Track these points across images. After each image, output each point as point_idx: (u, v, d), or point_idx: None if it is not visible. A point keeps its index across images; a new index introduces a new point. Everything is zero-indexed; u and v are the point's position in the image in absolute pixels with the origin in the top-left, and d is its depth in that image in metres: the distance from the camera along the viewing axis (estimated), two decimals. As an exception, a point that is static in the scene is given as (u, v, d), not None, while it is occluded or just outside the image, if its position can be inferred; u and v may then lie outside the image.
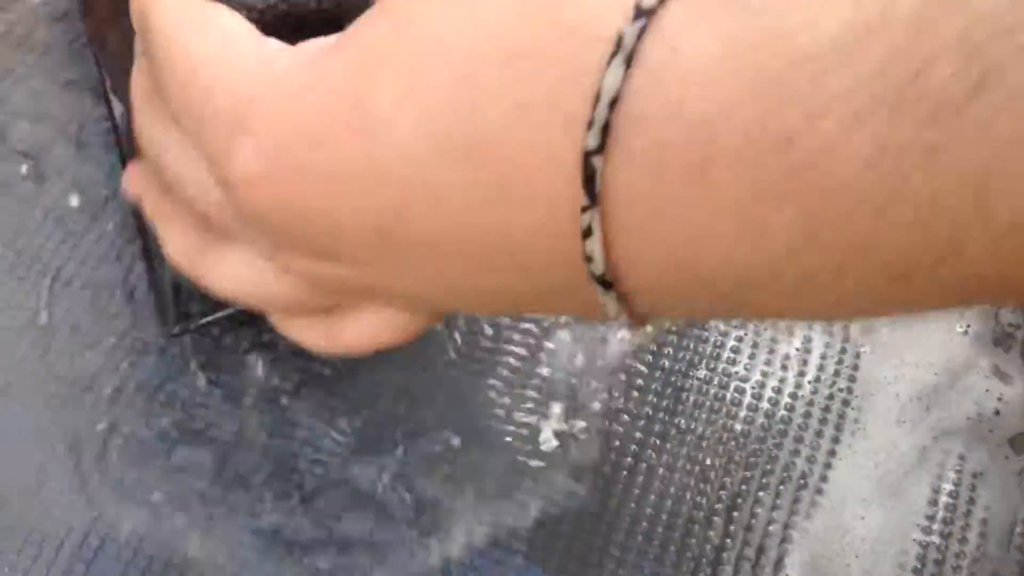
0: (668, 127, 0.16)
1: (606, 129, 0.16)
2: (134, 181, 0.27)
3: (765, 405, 0.33)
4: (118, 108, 0.35)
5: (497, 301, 0.21)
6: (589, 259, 0.17)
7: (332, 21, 0.25)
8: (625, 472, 0.32)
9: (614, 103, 0.16)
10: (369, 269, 0.20)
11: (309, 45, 0.21)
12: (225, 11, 0.22)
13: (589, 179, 0.16)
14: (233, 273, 0.23)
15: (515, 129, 0.17)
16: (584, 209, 0.17)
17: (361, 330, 0.23)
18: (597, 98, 0.16)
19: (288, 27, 0.25)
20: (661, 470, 0.32)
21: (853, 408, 0.33)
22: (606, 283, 0.18)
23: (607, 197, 0.16)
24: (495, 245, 0.18)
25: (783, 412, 0.33)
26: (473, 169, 0.18)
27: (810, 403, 0.33)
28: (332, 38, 0.20)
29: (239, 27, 0.22)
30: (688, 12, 0.16)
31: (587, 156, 0.16)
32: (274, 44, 0.21)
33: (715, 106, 0.15)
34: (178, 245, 0.25)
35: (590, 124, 0.16)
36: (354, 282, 0.21)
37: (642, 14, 0.16)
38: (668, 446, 0.33)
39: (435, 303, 0.22)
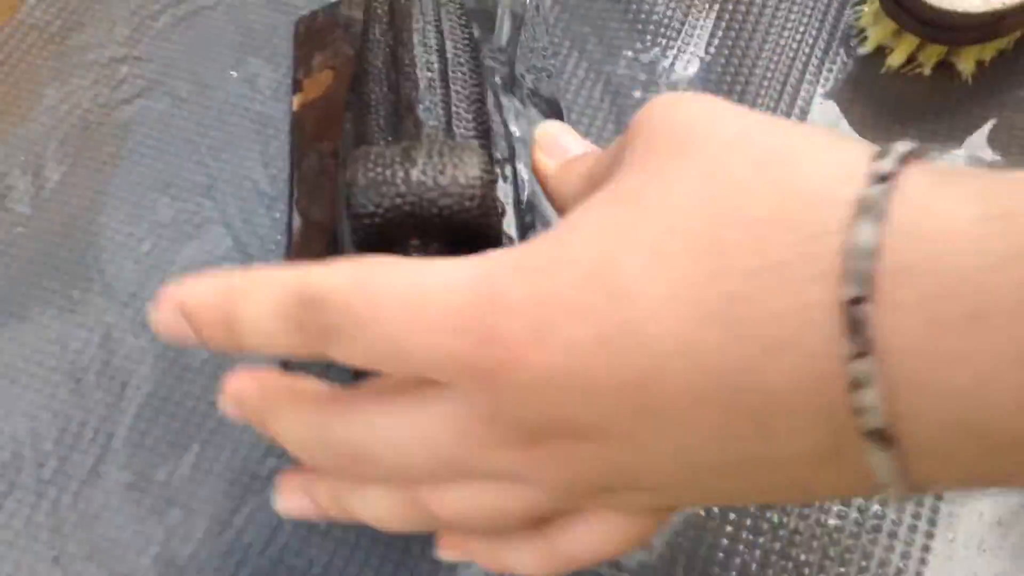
0: (935, 279, 0.16)
1: (866, 281, 0.17)
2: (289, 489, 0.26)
3: (858, 499, 0.33)
4: (296, 221, 0.39)
5: (752, 479, 0.20)
6: (860, 412, 0.17)
7: (450, 221, 0.27)
8: (717, 568, 0.32)
9: (869, 257, 0.17)
10: (624, 444, 0.20)
11: (498, 254, 0.21)
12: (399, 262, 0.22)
13: (854, 329, 0.17)
14: (461, 504, 0.23)
15: (765, 287, 0.18)
16: (853, 359, 0.17)
17: (591, 537, 0.23)
18: (848, 253, 0.17)
19: (408, 228, 0.27)
20: (755, 566, 0.32)
21: (947, 501, 0.33)
22: (880, 438, 0.17)
23: (879, 346, 0.17)
24: (754, 403, 0.18)
25: (876, 507, 0.33)
26: (727, 327, 0.18)
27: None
28: (557, 231, 0.21)
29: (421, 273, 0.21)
30: (929, 176, 0.18)
31: (850, 306, 0.17)
32: (465, 261, 0.21)
33: (984, 260, 0.16)
34: (384, 508, 0.24)
35: (845, 276, 0.17)
36: (605, 464, 0.21)
37: (883, 179, 0.17)
38: (761, 540, 0.32)
39: (683, 487, 0.21)
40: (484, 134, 0.32)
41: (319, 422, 0.23)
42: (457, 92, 0.31)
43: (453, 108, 0.31)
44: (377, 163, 0.27)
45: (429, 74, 0.31)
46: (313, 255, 0.37)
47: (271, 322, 0.22)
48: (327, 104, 0.40)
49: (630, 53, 0.43)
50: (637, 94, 0.42)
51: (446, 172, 0.26)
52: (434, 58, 0.32)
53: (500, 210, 0.28)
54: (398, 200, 0.26)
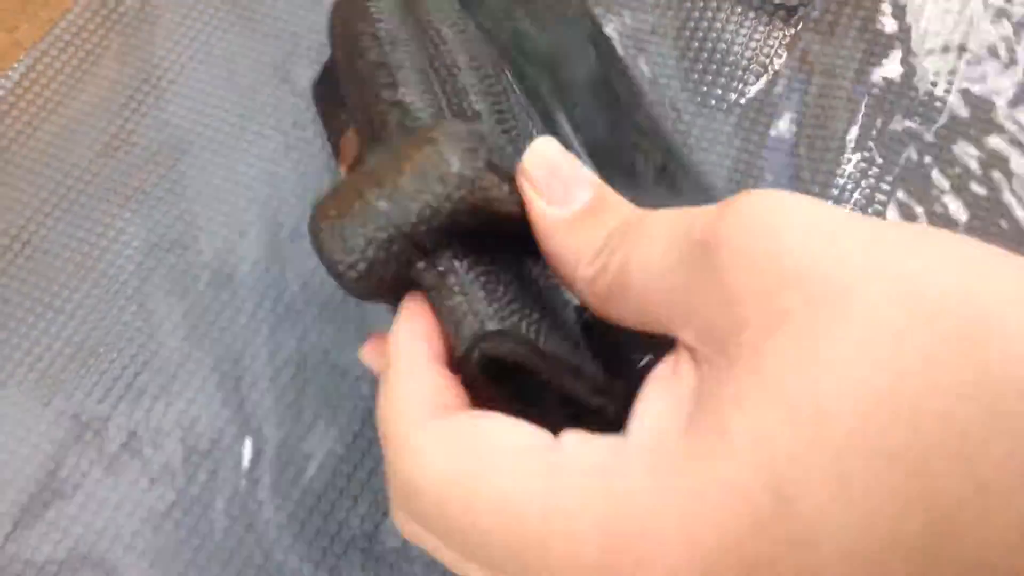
0: None
1: None
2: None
3: None
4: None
5: None
6: None
7: (447, 227, 0.23)
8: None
9: None
10: None
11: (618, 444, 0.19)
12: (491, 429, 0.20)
13: None
14: None
15: (978, 515, 0.15)
16: None
17: None
18: None
19: (404, 257, 0.23)
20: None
21: None
22: None
23: None
24: None
25: None
26: (927, 563, 0.15)
27: None
28: (691, 440, 0.17)
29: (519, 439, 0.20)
30: None
31: None
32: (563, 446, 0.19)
33: None
34: None
35: None
36: None
37: None
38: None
39: None
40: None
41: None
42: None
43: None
44: (332, 206, 0.23)
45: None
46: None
47: None
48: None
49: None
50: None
51: (409, 185, 0.22)
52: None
53: (504, 179, 0.23)
54: (378, 234, 0.23)
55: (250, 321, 0.40)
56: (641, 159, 0.33)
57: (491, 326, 0.22)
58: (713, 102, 0.43)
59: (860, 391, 0.16)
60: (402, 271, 0.23)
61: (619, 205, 0.23)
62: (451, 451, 0.20)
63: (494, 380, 0.22)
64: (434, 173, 0.22)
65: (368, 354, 0.26)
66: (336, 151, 0.41)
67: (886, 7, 0.44)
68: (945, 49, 0.43)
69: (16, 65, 0.47)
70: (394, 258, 0.23)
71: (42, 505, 0.36)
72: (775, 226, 0.18)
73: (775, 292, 0.17)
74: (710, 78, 0.43)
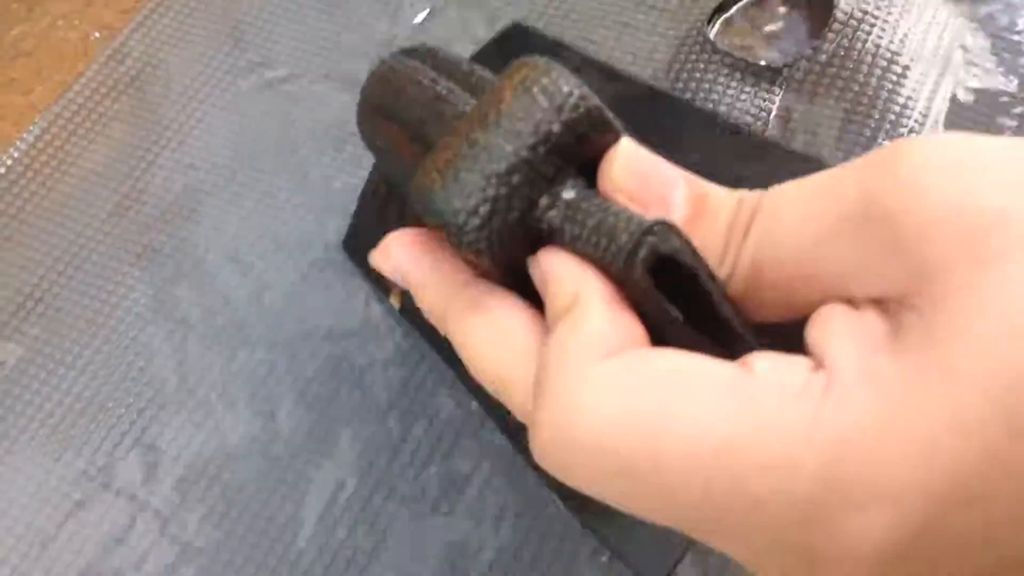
0: None
1: None
2: None
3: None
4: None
5: None
6: None
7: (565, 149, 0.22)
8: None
9: None
10: None
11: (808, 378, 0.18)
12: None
13: None
14: None
15: None
16: None
17: None
18: None
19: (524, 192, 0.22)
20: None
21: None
22: None
23: None
24: None
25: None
26: None
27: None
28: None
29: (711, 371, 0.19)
30: None
31: None
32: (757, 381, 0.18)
33: None
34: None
35: None
36: None
37: None
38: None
39: None
40: None
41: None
42: None
43: None
44: (437, 159, 0.22)
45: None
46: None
47: None
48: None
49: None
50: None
51: (518, 108, 0.21)
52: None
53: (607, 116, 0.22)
54: (496, 167, 0.21)
55: (260, 385, 0.41)
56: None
57: (649, 221, 0.20)
58: (702, 161, 0.44)
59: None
60: (526, 214, 0.22)
61: (720, 198, 0.22)
62: (628, 389, 0.19)
63: (673, 293, 0.21)
64: (539, 90, 0.21)
65: (399, 251, 0.25)
66: (382, 284, 0.42)
67: (868, 68, 0.45)
68: (924, 114, 0.44)
69: (31, 128, 0.49)
70: (517, 193, 0.21)
71: (53, 558, 0.38)
72: (957, 178, 0.18)
73: (979, 238, 0.17)
74: (699, 137, 0.45)
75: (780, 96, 0.45)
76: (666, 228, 0.20)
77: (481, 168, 0.21)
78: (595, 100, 0.22)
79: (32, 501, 0.39)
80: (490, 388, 0.23)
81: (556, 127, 0.21)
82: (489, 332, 0.22)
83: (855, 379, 0.17)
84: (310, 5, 0.52)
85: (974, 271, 0.17)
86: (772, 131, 0.44)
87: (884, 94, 0.45)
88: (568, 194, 0.22)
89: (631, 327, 0.20)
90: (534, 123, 0.21)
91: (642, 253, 0.20)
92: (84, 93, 0.50)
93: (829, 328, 0.19)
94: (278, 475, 0.39)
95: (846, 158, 0.43)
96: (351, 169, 0.46)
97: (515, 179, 0.21)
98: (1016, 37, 0.46)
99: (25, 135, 0.49)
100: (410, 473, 0.37)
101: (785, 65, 0.46)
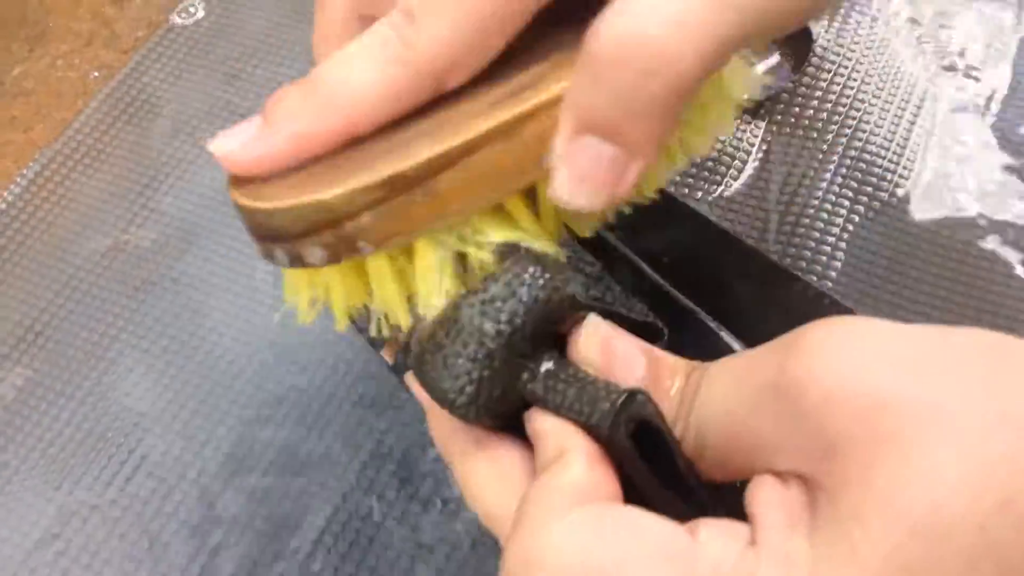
0: None
1: None
2: None
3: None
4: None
5: None
6: None
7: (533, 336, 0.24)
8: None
9: None
10: None
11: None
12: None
13: None
14: None
15: None
16: None
17: None
18: None
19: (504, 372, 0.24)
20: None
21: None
22: None
23: None
24: None
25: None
26: None
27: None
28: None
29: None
30: None
31: None
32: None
33: None
34: None
35: None
36: None
37: None
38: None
39: None
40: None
41: None
42: None
43: None
44: (426, 340, 0.25)
45: None
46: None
47: None
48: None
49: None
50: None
51: (499, 292, 0.24)
52: None
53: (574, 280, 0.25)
54: (479, 351, 0.24)
55: (257, 413, 0.42)
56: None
57: (625, 391, 0.23)
58: (686, 190, 0.46)
59: (971, 500, 0.18)
60: (508, 388, 0.24)
61: (674, 369, 0.24)
62: (587, 541, 0.21)
63: (640, 452, 0.23)
64: (519, 283, 0.24)
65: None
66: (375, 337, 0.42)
67: (846, 103, 0.47)
68: (901, 146, 0.46)
69: (31, 164, 0.50)
70: (498, 373, 0.24)
71: (52, 585, 0.38)
72: (855, 358, 0.20)
73: (873, 418, 0.19)
74: (678, 177, 0.46)
75: (762, 129, 0.47)
76: (643, 397, 0.23)
77: (465, 351, 0.24)
78: (568, 289, 0.25)
79: (33, 529, 0.39)
80: (482, 519, 0.25)
81: (532, 316, 0.24)
82: (488, 472, 0.25)
83: (776, 562, 0.20)
84: (305, 43, 0.53)
85: (870, 453, 0.19)
86: (753, 162, 0.46)
87: (861, 130, 0.46)
88: (546, 366, 0.24)
89: (606, 482, 0.23)
90: (510, 313, 0.24)
91: (624, 420, 0.23)
92: (83, 131, 0.51)
93: (760, 498, 0.21)
94: (284, 495, 0.39)
95: (827, 191, 0.45)
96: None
97: (496, 363, 0.24)
98: (976, 73, 0.48)
99: (25, 171, 0.50)
100: (404, 498, 0.38)
101: (768, 98, 0.47)
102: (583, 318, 0.25)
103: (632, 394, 0.23)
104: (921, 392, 0.19)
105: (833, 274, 0.43)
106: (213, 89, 0.52)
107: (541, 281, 0.24)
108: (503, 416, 0.25)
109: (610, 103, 0.22)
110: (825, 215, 0.44)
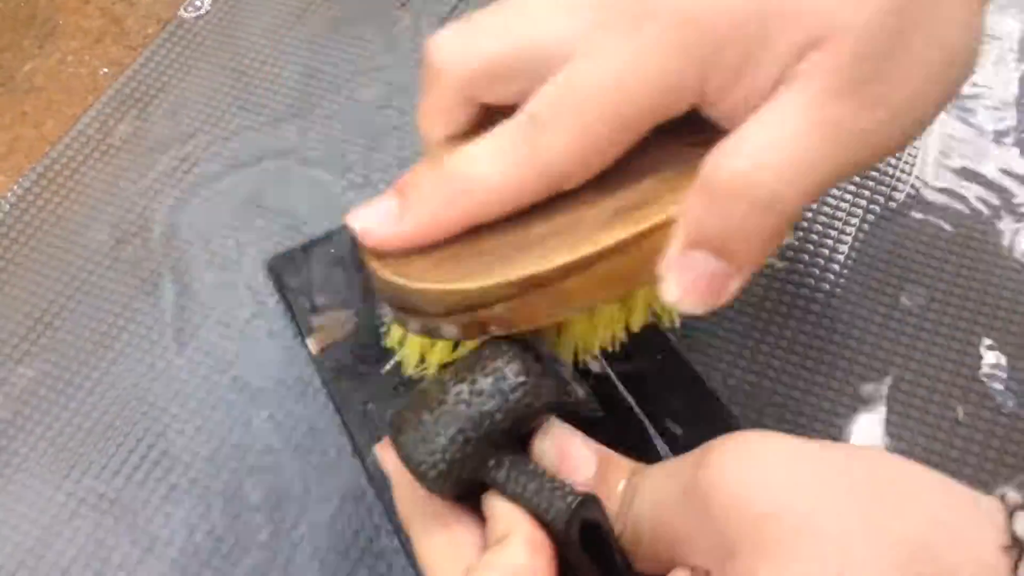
0: None
1: None
2: None
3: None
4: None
5: None
6: None
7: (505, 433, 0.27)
8: None
9: None
10: None
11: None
12: None
13: None
14: None
15: None
16: None
17: None
18: None
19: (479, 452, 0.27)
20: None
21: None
22: None
23: None
24: None
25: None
26: None
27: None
28: None
29: None
30: None
31: None
32: None
33: None
34: None
35: None
36: None
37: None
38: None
39: None
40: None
41: None
42: None
43: None
44: (412, 413, 0.28)
45: None
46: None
47: None
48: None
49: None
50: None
51: (487, 387, 0.27)
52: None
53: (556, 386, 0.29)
54: (457, 435, 0.27)
55: (259, 408, 0.42)
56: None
57: (579, 495, 0.26)
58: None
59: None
60: (476, 470, 0.27)
61: (619, 467, 0.28)
62: None
63: (583, 545, 0.26)
64: (504, 382, 0.27)
65: (384, 451, 0.29)
66: (302, 321, 0.43)
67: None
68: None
69: (42, 159, 0.51)
70: (470, 458, 0.27)
71: (60, 573, 0.39)
72: (752, 472, 0.23)
73: (762, 526, 0.22)
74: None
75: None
76: (594, 501, 0.26)
77: (446, 431, 0.27)
78: (543, 398, 0.28)
79: (41, 518, 0.40)
80: None
81: (511, 416, 0.27)
82: (444, 546, 0.28)
83: None
84: (312, 38, 0.54)
85: (757, 557, 0.22)
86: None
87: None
88: (510, 457, 0.27)
89: (543, 568, 0.25)
90: (493, 409, 0.27)
91: (576, 521, 0.26)
92: (93, 126, 0.52)
93: None
94: (289, 484, 0.40)
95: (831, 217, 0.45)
96: (354, 198, 0.48)
97: (470, 448, 0.27)
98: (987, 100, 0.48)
99: (36, 166, 0.50)
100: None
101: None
102: (546, 419, 0.29)
103: (586, 499, 0.26)
104: (800, 505, 0.22)
105: (836, 267, 0.43)
106: (221, 84, 0.53)
107: (527, 386, 0.27)
108: (465, 490, 0.28)
109: (722, 227, 0.25)
110: (828, 210, 0.45)
